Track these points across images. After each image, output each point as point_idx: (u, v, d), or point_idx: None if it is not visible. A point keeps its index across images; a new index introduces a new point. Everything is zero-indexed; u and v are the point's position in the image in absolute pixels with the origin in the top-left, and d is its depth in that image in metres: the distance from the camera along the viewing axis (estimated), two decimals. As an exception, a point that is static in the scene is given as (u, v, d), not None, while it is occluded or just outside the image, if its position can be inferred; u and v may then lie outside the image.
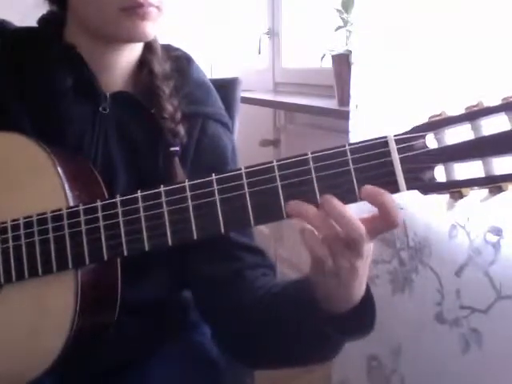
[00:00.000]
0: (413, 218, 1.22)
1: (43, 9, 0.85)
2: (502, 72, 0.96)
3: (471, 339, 1.10)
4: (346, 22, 1.61)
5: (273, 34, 2.36)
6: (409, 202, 1.14)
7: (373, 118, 1.28)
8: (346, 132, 1.37)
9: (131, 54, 0.84)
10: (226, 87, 1.04)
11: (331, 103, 1.73)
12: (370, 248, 0.62)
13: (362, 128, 1.32)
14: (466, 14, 1.02)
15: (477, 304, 1.08)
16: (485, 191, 0.56)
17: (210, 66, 2.69)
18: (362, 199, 0.59)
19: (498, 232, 1.02)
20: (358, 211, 0.60)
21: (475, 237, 1.06)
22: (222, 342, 0.87)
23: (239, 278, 0.81)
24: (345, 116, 1.42)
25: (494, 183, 0.55)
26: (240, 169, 0.62)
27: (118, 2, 0.73)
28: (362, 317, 0.68)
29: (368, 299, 0.68)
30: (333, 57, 1.67)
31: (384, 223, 0.58)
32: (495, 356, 1.06)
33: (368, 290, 0.68)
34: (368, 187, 0.58)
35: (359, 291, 0.66)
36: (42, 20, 0.86)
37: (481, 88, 0.99)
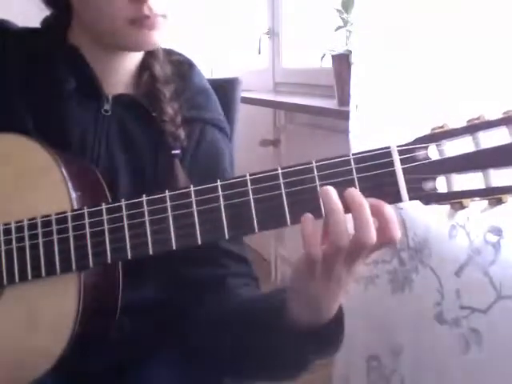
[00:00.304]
0: (413, 218, 1.22)
1: (47, 10, 0.85)
2: (501, 71, 0.96)
3: (471, 339, 1.10)
4: (346, 22, 1.61)
5: (273, 34, 2.36)
6: (409, 203, 1.15)
7: (373, 118, 1.28)
8: (346, 132, 1.37)
9: (133, 57, 0.84)
10: (225, 87, 1.04)
11: (331, 103, 1.73)
12: (360, 267, 0.61)
13: (362, 128, 1.32)
14: (466, 13, 1.02)
15: (477, 304, 1.08)
16: (485, 202, 0.57)
17: (211, 67, 2.69)
18: None
19: (498, 232, 1.03)
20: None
21: (475, 237, 1.06)
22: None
23: (222, 284, 0.82)
24: (345, 116, 1.42)
25: (493, 195, 0.56)
26: (245, 175, 0.62)
27: (125, 14, 0.73)
28: (328, 334, 0.67)
29: (338, 320, 0.67)
30: (333, 57, 1.67)
31: (383, 237, 0.58)
32: (495, 356, 1.06)
33: (340, 310, 0.67)
34: (370, 199, 0.58)
35: (333, 304, 0.65)
36: (46, 21, 0.87)
37: (480, 88, 0.99)
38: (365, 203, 0.57)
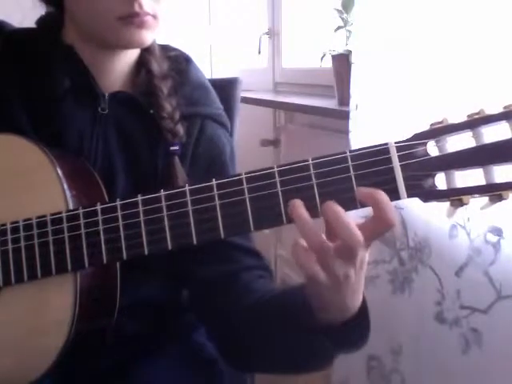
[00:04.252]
0: (413, 217, 1.22)
1: (42, 10, 0.85)
2: (501, 70, 0.96)
3: (471, 339, 1.10)
4: (346, 22, 1.61)
5: (273, 34, 2.36)
6: (409, 202, 1.15)
7: (373, 118, 1.28)
8: (346, 132, 1.37)
9: (129, 55, 0.84)
10: (225, 87, 1.04)
11: (331, 103, 1.72)
12: (364, 257, 0.61)
13: (362, 128, 1.32)
14: (465, 13, 1.02)
15: (477, 304, 1.08)
16: (485, 199, 0.56)
17: (210, 66, 2.69)
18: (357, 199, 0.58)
19: (498, 232, 1.02)
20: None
21: (475, 237, 1.06)
22: (217, 344, 0.87)
23: (235, 279, 0.81)
24: (345, 116, 1.42)
25: (494, 191, 0.55)
26: (240, 174, 0.62)
27: (115, 11, 0.73)
28: (355, 329, 0.67)
29: (363, 312, 0.67)
30: (333, 57, 1.67)
31: (380, 223, 0.58)
32: (495, 356, 1.06)
33: (364, 302, 0.67)
34: (362, 188, 0.58)
35: (353, 301, 0.65)
36: (41, 21, 0.86)
37: (480, 88, 0.99)
38: (340, 210, 0.57)
